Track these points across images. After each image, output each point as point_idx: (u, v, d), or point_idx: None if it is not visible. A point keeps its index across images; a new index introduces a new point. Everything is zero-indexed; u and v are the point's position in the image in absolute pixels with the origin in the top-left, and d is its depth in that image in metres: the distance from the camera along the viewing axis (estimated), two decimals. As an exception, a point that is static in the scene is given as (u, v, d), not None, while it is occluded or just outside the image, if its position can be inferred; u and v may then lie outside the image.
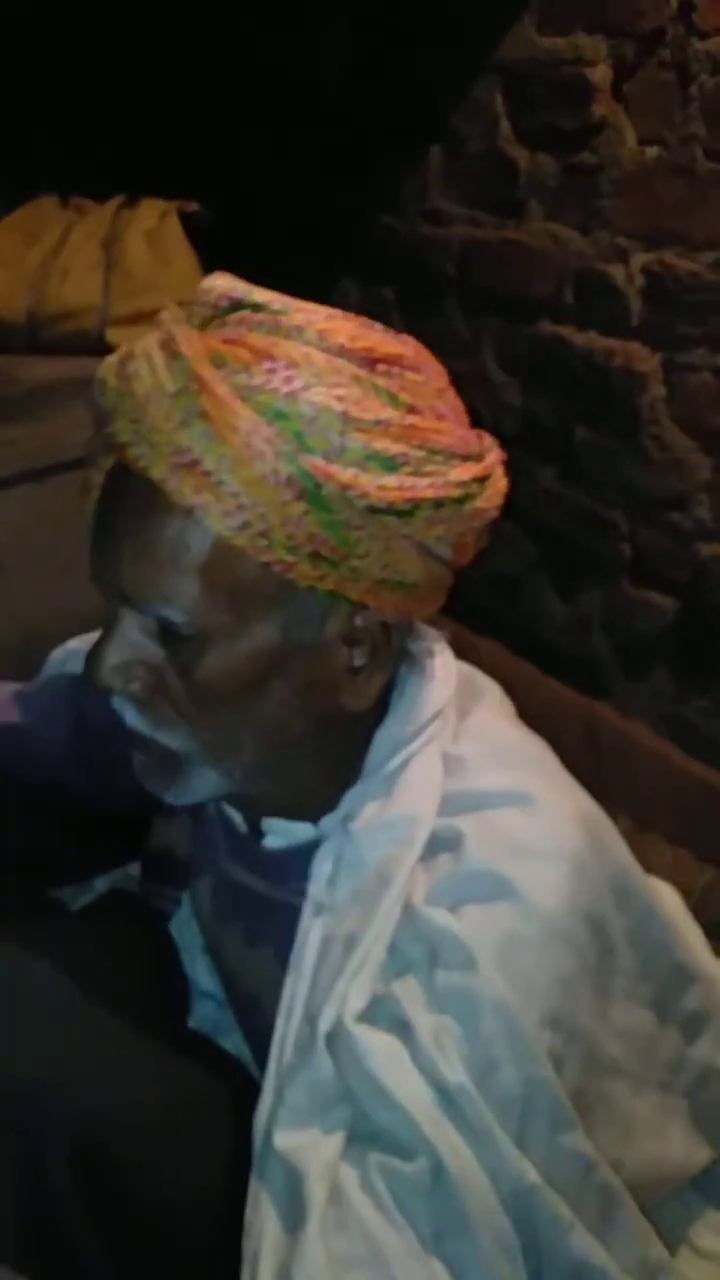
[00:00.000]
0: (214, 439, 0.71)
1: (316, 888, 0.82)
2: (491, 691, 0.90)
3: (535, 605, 2.05)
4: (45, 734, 1.00)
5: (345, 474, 0.72)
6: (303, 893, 0.85)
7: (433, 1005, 0.76)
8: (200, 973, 0.98)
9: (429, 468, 0.75)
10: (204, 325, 0.77)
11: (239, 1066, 0.92)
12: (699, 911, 0.94)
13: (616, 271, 1.76)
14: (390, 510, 0.74)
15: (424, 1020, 0.75)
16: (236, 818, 0.91)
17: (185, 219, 1.99)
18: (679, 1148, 0.86)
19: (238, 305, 0.77)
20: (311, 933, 0.81)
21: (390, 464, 0.74)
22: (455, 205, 2.05)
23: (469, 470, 0.77)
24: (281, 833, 0.88)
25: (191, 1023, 0.97)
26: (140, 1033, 0.86)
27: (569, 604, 2.00)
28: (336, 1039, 0.76)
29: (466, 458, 0.78)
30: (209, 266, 1.97)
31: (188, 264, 1.96)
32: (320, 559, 0.74)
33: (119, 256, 1.93)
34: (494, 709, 0.89)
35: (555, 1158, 0.76)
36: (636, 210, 1.72)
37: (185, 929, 0.98)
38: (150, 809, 0.99)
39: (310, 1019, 0.78)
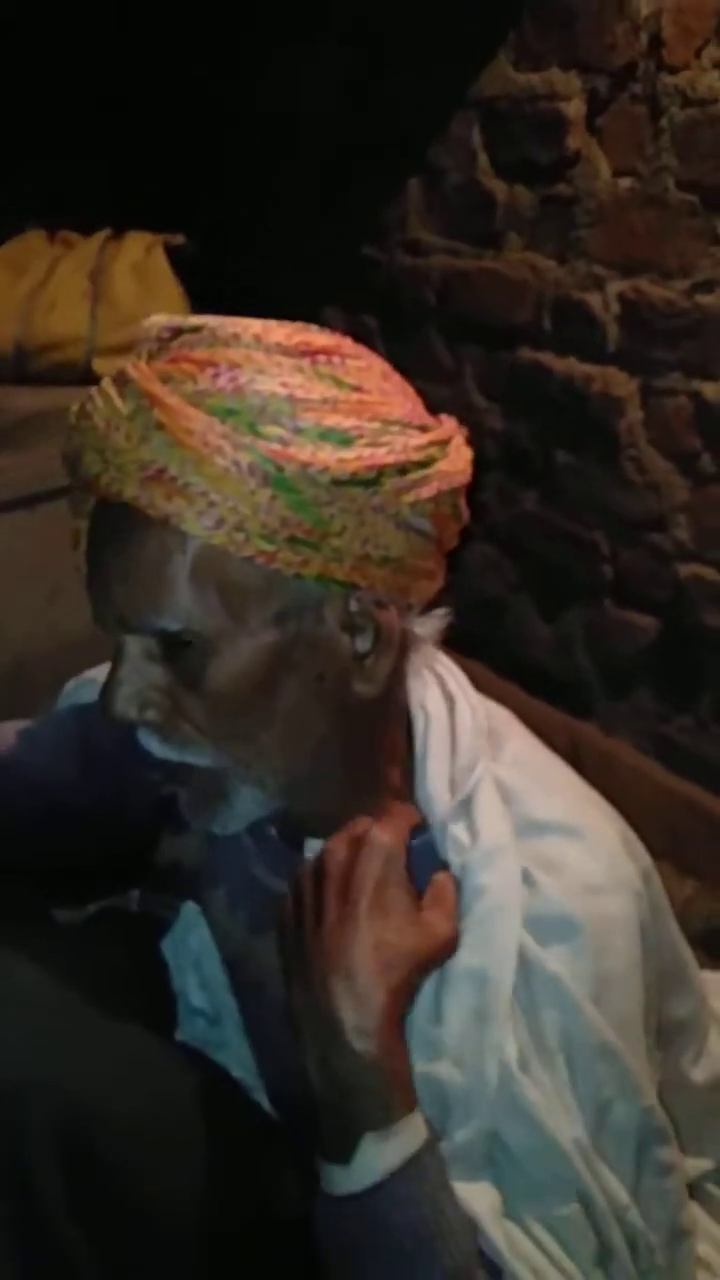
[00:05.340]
0: (173, 445, 0.74)
1: None
2: (513, 719, 0.92)
3: (519, 627, 2.06)
4: (54, 766, 1.01)
5: (303, 452, 0.74)
6: None
7: (543, 1052, 0.79)
8: (192, 989, 0.99)
9: (385, 438, 0.77)
10: (150, 358, 0.80)
11: (227, 1076, 0.93)
12: (680, 924, 0.96)
13: (593, 299, 1.80)
14: (354, 481, 0.76)
15: (538, 1071, 0.79)
16: (272, 829, 0.91)
17: (170, 251, 2.02)
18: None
19: (178, 333, 0.80)
20: None
21: (345, 439, 0.76)
22: (435, 236, 2.09)
23: (426, 437, 0.80)
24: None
25: (178, 1037, 0.98)
26: (127, 1036, 0.87)
27: (552, 625, 2.02)
28: (504, 1088, 0.79)
29: (422, 427, 0.80)
30: (193, 298, 2.01)
31: (173, 295, 1.98)
32: (299, 543, 0.76)
33: (105, 288, 1.95)
34: (524, 734, 0.91)
35: (658, 1171, 0.83)
36: (611, 240, 1.75)
37: (180, 944, 0.98)
38: (160, 827, 1.01)
39: (463, 1064, 0.79)
